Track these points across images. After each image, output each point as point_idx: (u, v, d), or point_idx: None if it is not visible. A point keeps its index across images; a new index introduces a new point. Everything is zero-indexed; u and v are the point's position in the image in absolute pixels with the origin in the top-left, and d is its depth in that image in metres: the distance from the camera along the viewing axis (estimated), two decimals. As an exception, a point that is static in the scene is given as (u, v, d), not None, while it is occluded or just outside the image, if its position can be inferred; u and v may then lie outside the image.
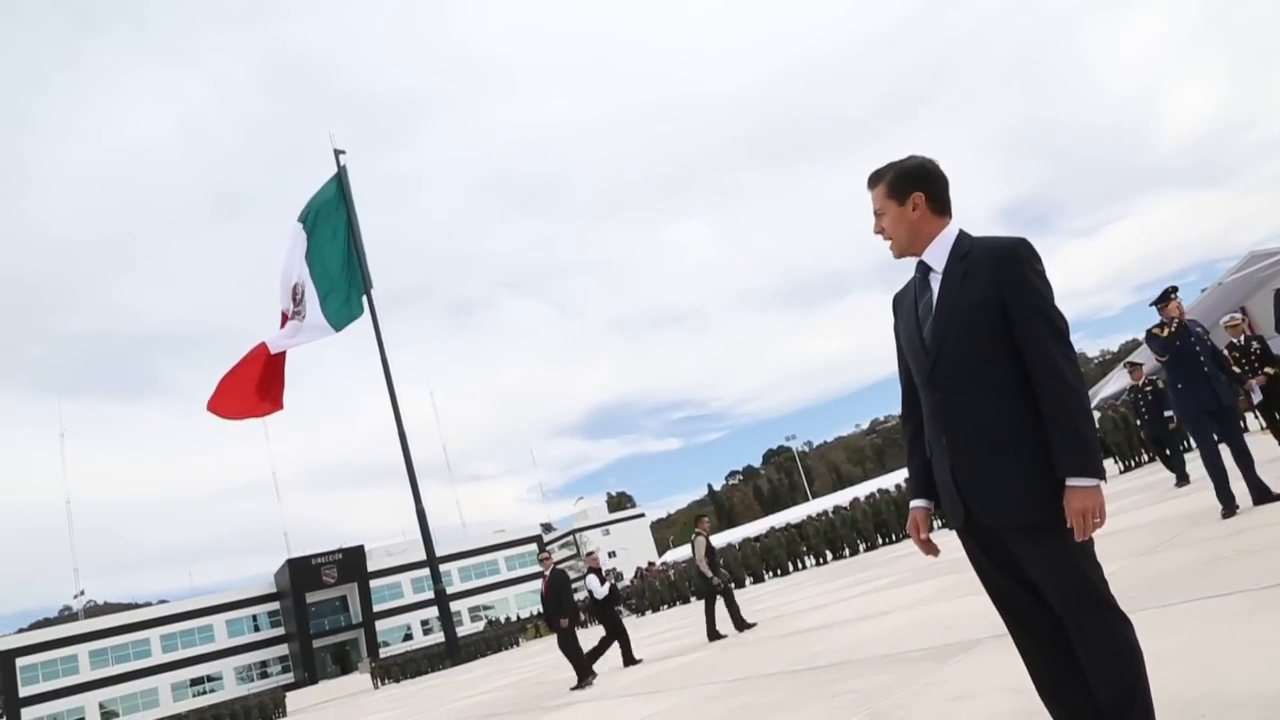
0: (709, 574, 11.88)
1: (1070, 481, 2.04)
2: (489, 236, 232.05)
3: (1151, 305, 7.98)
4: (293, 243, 13.76)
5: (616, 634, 11.43)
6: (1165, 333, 7.68)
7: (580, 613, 11.24)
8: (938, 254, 2.31)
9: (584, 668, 10.62)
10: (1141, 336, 8.23)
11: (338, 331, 13.27)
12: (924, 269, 2.34)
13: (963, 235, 2.31)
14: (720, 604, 11.66)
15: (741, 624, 11.19)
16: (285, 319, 12.84)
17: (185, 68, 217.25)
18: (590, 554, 12.97)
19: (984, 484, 2.14)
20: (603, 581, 11.93)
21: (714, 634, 11.20)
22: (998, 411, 2.13)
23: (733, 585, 16.22)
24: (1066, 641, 2.17)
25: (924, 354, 2.27)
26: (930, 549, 2.44)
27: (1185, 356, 7.66)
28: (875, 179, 2.38)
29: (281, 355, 13.06)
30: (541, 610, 11.15)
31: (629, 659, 11.11)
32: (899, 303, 2.47)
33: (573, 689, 10.34)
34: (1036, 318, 2.11)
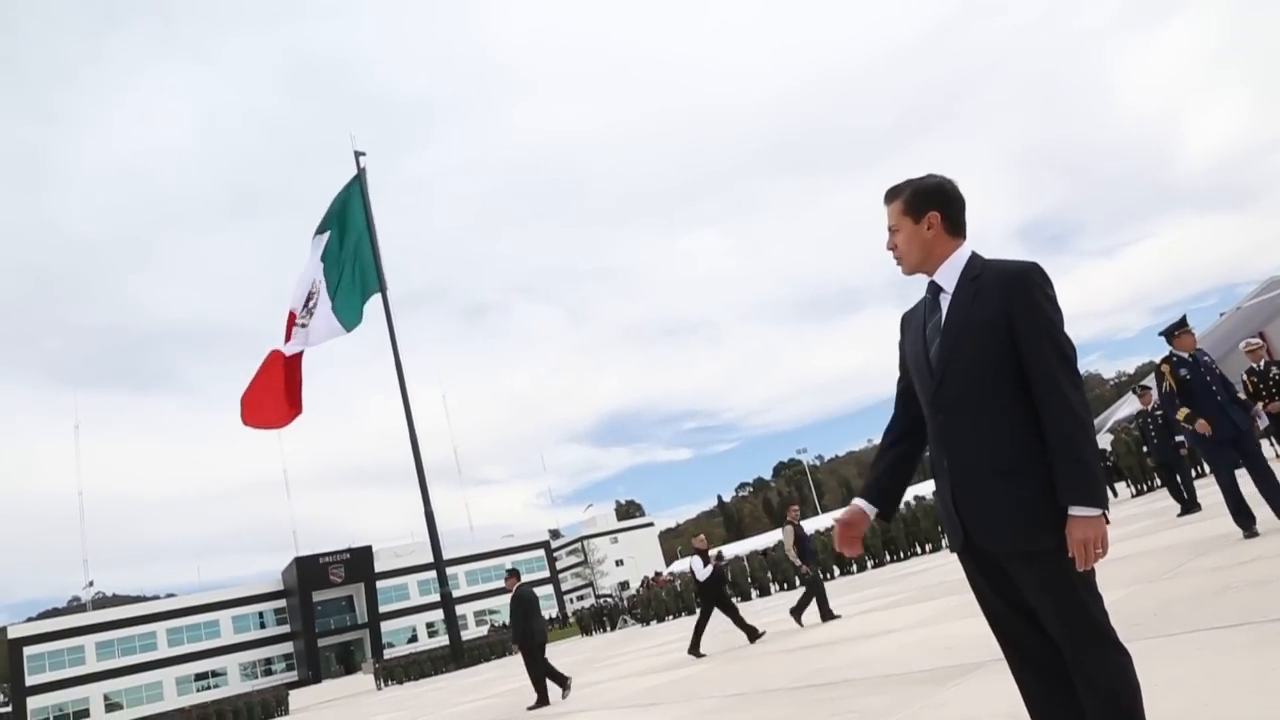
0: (798, 563, 12.02)
1: (1072, 510, 2.01)
2: (503, 241, 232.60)
3: (1161, 335, 7.96)
4: (312, 250, 13.89)
5: (727, 611, 11.93)
6: (1171, 382, 7.75)
7: (546, 634, 11.26)
8: (949, 275, 2.29)
9: (558, 681, 10.74)
10: (1158, 359, 8.23)
11: (348, 332, 13.33)
12: (935, 289, 2.33)
13: (975, 257, 2.30)
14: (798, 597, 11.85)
15: (828, 614, 11.24)
16: (292, 320, 12.88)
17: (207, 65, 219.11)
18: (697, 536, 13.25)
19: (983, 508, 2.13)
20: (706, 563, 12.18)
21: (752, 632, 11.31)
22: (1001, 436, 2.11)
23: (822, 575, 16.39)
24: (1062, 669, 2.15)
25: (929, 375, 2.25)
26: (850, 546, 2.46)
27: (1198, 388, 7.66)
28: (892, 194, 2.37)
29: (298, 357, 13.13)
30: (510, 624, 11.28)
31: (748, 632, 11.34)
32: (907, 321, 2.47)
33: (529, 709, 10.47)
34: (1045, 341, 2.09)
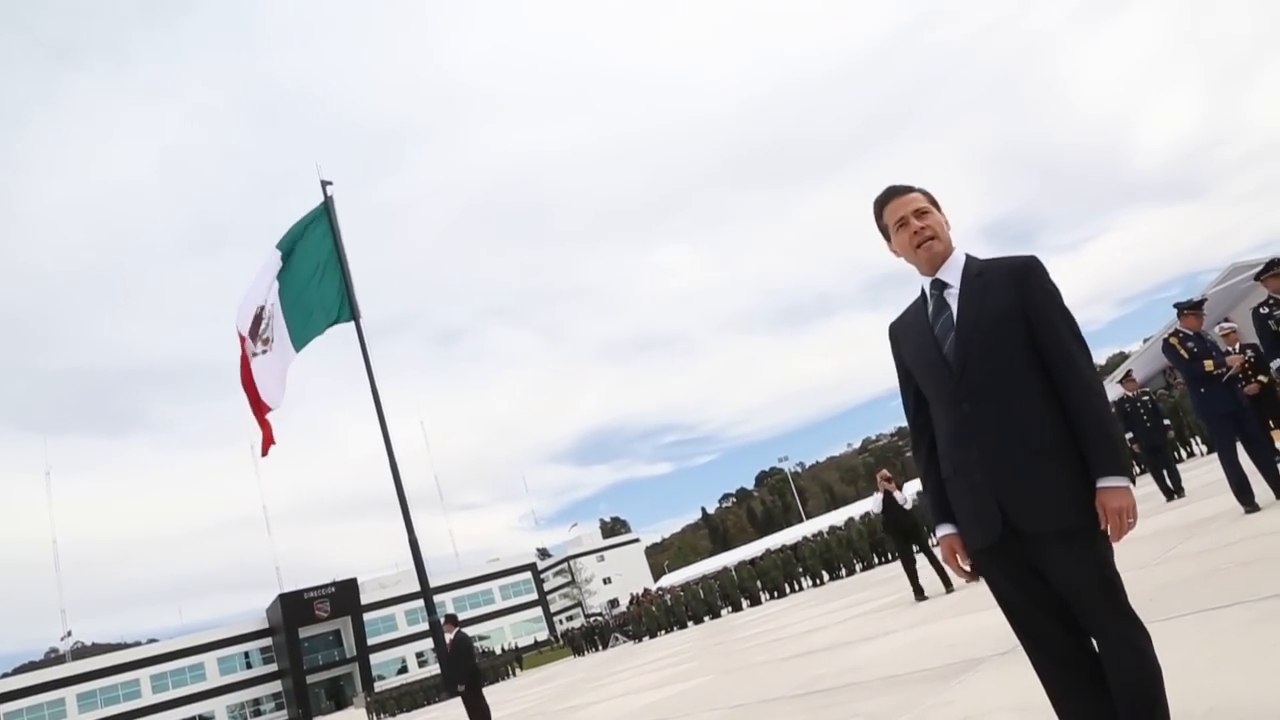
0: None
1: (1105, 482, 2.09)
2: (475, 264, 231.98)
3: (1174, 306, 8.52)
4: (264, 267, 13.57)
5: (924, 549, 12.07)
6: (1184, 352, 8.12)
7: (481, 677, 11.46)
8: (953, 272, 2.36)
9: None
10: (1129, 349, 8.57)
11: (297, 352, 13.04)
12: (940, 286, 2.37)
13: (970, 256, 2.38)
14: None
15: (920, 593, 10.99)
16: (243, 342, 12.55)
17: (167, 101, 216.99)
18: (880, 471, 13.20)
19: (1026, 489, 2.14)
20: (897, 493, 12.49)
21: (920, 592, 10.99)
22: (1033, 418, 2.16)
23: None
24: (1085, 661, 2.19)
25: (945, 369, 2.27)
26: (973, 575, 2.41)
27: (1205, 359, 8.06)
28: (905, 189, 2.44)
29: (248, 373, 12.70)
30: (444, 668, 11.54)
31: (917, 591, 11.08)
32: (902, 330, 2.49)
33: None
34: (1060, 324, 2.19)
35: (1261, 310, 7.93)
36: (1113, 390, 16.28)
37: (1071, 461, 2.14)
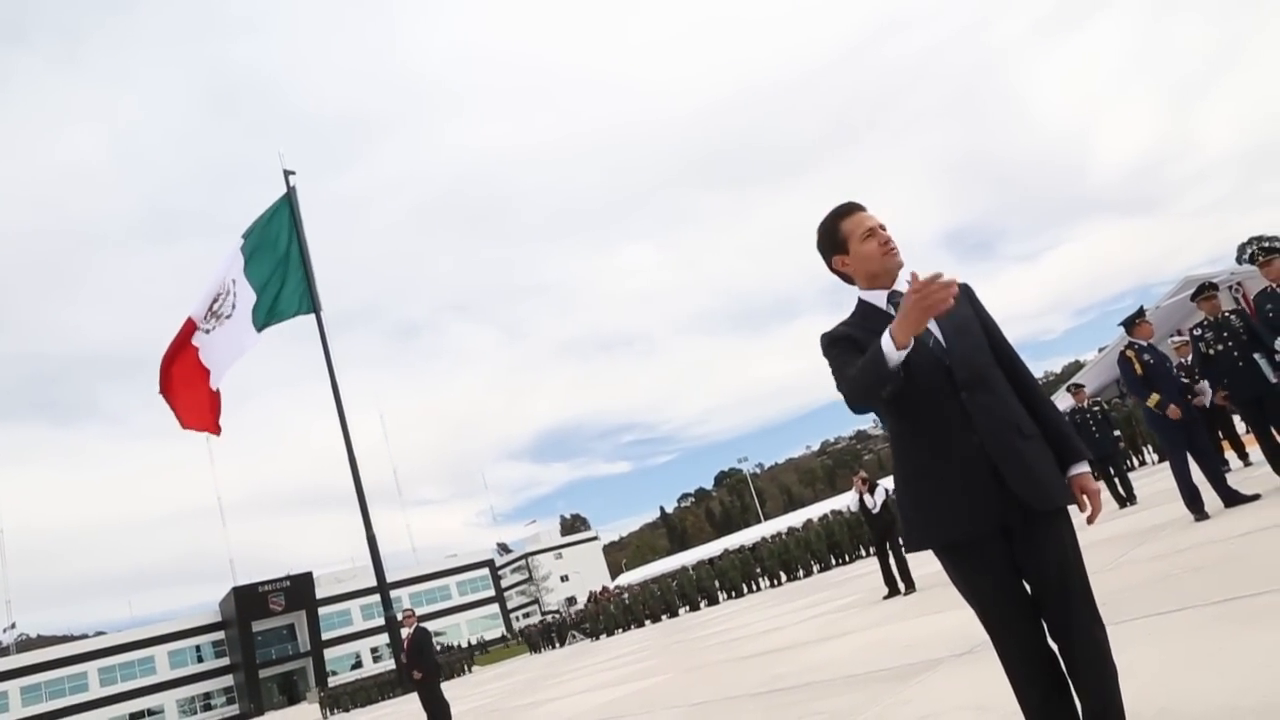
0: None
1: (1080, 467, 2.37)
2: (436, 259, 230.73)
3: (1120, 325, 8.49)
4: (229, 259, 13.38)
5: (894, 548, 11.66)
6: (1138, 368, 8.19)
7: (440, 669, 11.48)
8: (905, 286, 2.40)
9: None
10: (1084, 358, 8.73)
11: (259, 331, 12.85)
12: (899, 296, 2.40)
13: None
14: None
15: (893, 586, 11.11)
16: (187, 327, 12.27)
17: (120, 85, 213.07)
18: (857, 472, 13.34)
19: (1033, 468, 2.27)
20: (871, 493, 12.53)
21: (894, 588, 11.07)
22: (1015, 407, 2.35)
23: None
24: (1053, 658, 2.26)
25: (939, 363, 2.32)
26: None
27: (1161, 373, 8.18)
28: (862, 206, 2.51)
29: (192, 354, 12.44)
30: (403, 662, 11.51)
31: (891, 587, 11.13)
32: (863, 333, 2.40)
33: None
34: (1003, 337, 2.48)
35: (1195, 332, 8.15)
36: (1062, 400, 16.56)
37: (1049, 447, 2.36)
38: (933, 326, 2.36)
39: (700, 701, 6.94)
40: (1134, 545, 7.47)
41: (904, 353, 2.18)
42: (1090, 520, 2.33)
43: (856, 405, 2.37)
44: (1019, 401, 2.37)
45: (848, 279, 2.55)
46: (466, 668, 50.11)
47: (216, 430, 12.21)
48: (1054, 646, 2.27)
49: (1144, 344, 8.37)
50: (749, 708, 5.90)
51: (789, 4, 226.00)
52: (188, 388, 12.25)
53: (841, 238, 2.49)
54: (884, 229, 2.46)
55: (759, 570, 30.05)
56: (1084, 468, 2.37)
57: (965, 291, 2.47)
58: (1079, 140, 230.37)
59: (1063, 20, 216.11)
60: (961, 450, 2.29)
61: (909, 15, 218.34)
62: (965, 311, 2.42)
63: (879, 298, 2.45)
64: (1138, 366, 8.20)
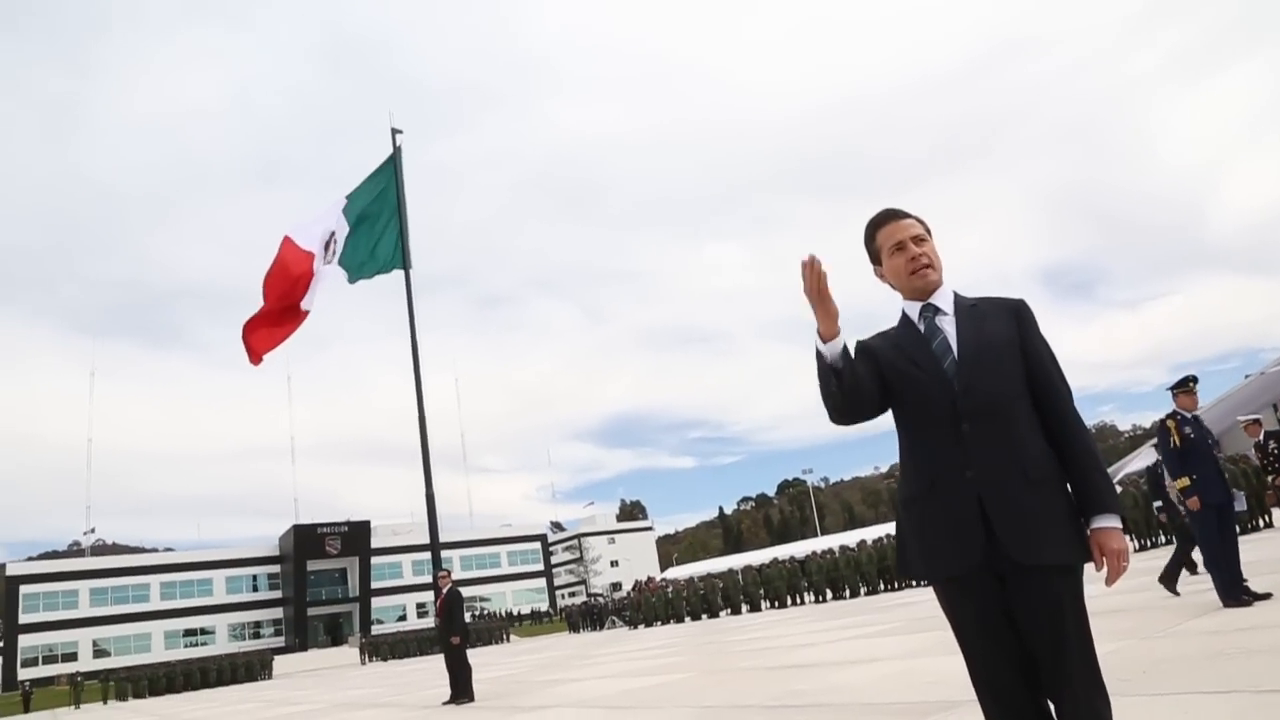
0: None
1: (1103, 521, 2.07)
2: (526, 234, 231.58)
3: (1169, 390, 7.91)
4: (336, 206, 13.79)
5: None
6: (1177, 440, 7.65)
7: (469, 633, 11.70)
8: (946, 300, 2.32)
9: (465, 686, 11.04)
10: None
11: (351, 283, 13.21)
12: (933, 310, 2.29)
13: (958, 293, 2.35)
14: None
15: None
16: (310, 258, 12.62)
17: (243, 32, 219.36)
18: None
19: (1027, 518, 2.05)
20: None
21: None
22: (1031, 447, 2.11)
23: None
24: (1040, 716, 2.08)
25: (947, 387, 2.16)
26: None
27: (1200, 447, 7.62)
28: (902, 213, 2.38)
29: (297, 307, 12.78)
30: (439, 625, 11.72)
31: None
32: (885, 344, 2.32)
33: (444, 703, 10.97)
34: (1053, 367, 2.21)
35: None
36: (1148, 455, 15.77)
37: (1065, 495, 2.12)
38: (953, 345, 2.21)
39: (711, 705, 6.82)
40: (1194, 615, 7.07)
41: (836, 344, 2.11)
42: (1108, 582, 2.07)
43: (830, 414, 2.25)
44: (1042, 439, 2.13)
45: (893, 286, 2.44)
46: (506, 635, 50.82)
47: (257, 360, 12.44)
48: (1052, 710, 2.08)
49: (1188, 415, 7.77)
50: (756, 718, 5.76)
51: (909, 4, 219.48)
52: (272, 317, 12.57)
53: (876, 249, 2.41)
54: (920, 241, 2.31)
55: (806, 584, 29.66)
56: (1108, 522, 2.08)
57: (1013, 310, 2.25)
58: (1203, 186, 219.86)
59: (1207, 58, 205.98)
60: (952, 485, 2.12)
61: (1039, 35, 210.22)
62: (1002, 333, 2.20)
63: (914, 308, 2.33)
64: (1176, 439, 7.63)
